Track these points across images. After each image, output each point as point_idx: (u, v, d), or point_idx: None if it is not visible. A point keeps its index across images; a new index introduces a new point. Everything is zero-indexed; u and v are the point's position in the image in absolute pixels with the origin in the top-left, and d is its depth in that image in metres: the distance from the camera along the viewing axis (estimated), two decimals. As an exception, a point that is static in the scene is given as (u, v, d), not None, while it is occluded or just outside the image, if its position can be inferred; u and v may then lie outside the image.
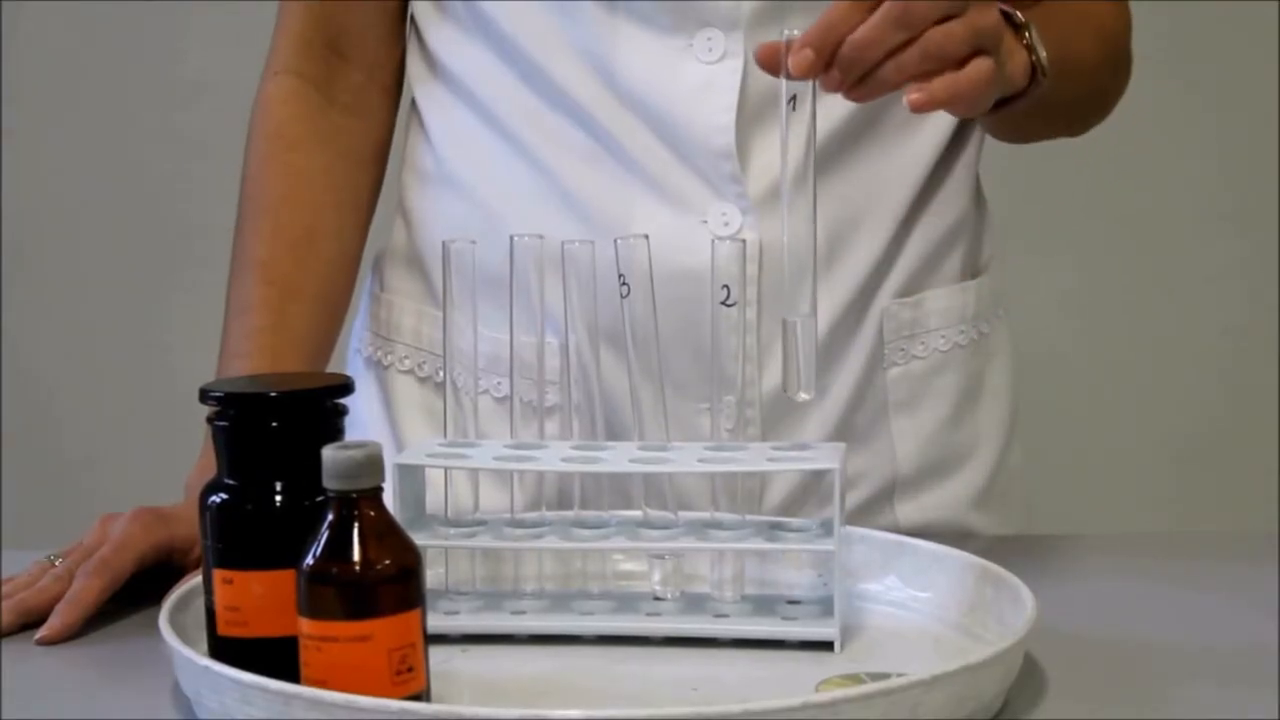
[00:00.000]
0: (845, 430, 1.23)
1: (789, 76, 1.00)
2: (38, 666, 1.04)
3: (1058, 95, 1.16)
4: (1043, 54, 1.11)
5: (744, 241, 1.08)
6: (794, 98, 1.02)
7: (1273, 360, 2.50)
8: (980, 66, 1.02)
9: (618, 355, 1.09)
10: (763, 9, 1.18)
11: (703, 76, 1.18)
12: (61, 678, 1.03)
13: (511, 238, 1.07)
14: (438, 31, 1.27)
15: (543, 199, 1.22)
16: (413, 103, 1.31)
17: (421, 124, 1.29)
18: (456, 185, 1.26)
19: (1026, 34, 1.11)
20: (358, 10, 1.30)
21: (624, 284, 1.04)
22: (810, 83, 1.02)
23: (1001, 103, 1.10)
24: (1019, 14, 1.11)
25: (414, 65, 1.30)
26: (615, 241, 1.04)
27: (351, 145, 1.30)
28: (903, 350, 1.26)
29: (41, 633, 1.07)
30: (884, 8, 1.00)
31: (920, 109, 1.02)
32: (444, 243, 1.06)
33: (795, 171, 1.03)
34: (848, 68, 1.00)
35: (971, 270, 1.30)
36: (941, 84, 1.02)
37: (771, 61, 1.01)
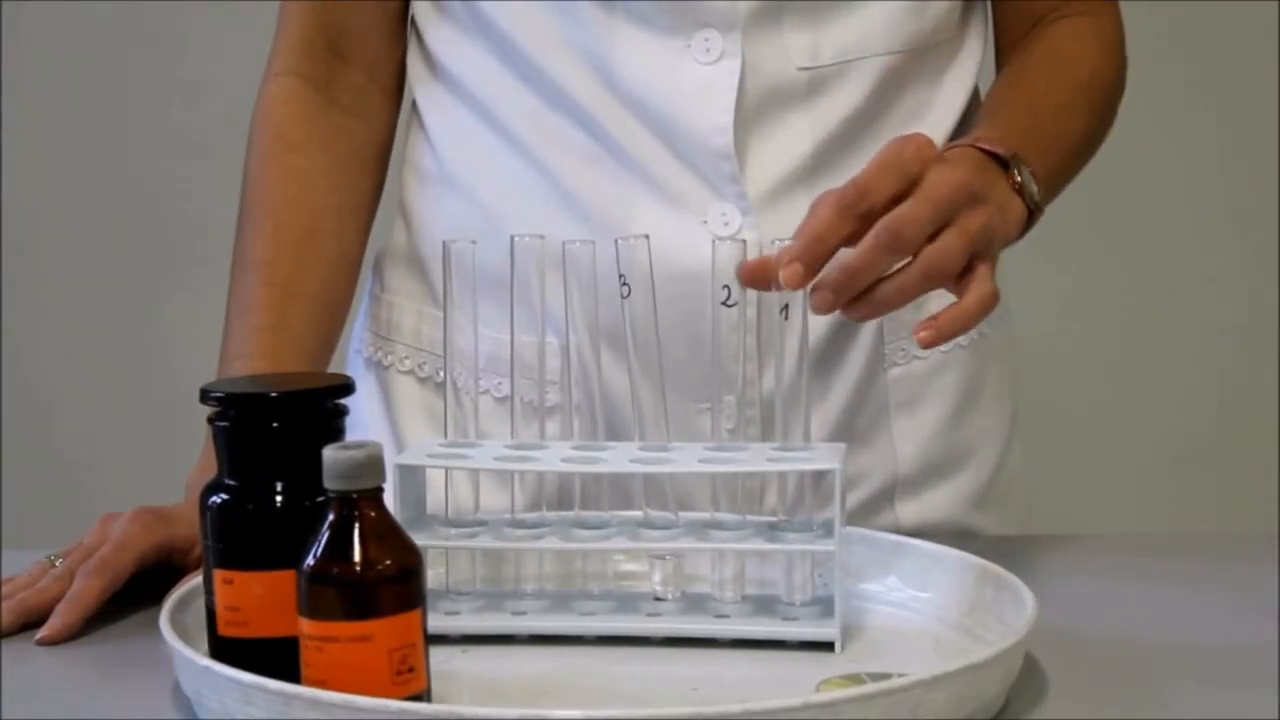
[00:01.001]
0: (846, 430, 1.24)
1: (779, 289, 1.01)
2: (38, 666, 1.04)
3: (1055, 191, 1.19)
4: (1034, 189, 1.12)
5: (744, 242, 1.08)
6: (785, 307, 1.02)
7: (1273, 360, 2.50)
8: (981, 288, 1.04)
9: (618, 355, 1.09)
10: (760, 9, 1.18)
11: (701, 77, 1.18)
12: (61, 678, 1.03)
13: (512, 238, 1.07)
14: (437, 32, 1.27)
15: (543, 199, 1.22)
16: (414, 103, 1.31)
17: (422, 124, 1.29)
18: (457, 185, 1.26)
19: (1016, 174, 1.11)
20: (358, 11, 1.30)
21: (624, 284, 1.04)
22: (801, 292, 1.02)
23: None
24: (1005, 150, 1.11)
25: (414, 66, 1.30)
26: (615, 241, 1.04)
27: (352, 146, 1.30)
28: (903, 350, 1.26)
29: (42, 633, 1.07)
30: (874, 232, 1.00)
31: (930, 346, 1.04)
32: (444, 243, 1.06)
33: (791, 380, 1.04)
34: (840, 291, 1.01)
35: (972, 270, 1.30)
36: (949, 319, 1.03)
37: (758, 275, 1.02)
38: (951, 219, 1.03)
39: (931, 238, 1.02)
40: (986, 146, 1.10)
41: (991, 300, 1.04)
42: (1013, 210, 1.10)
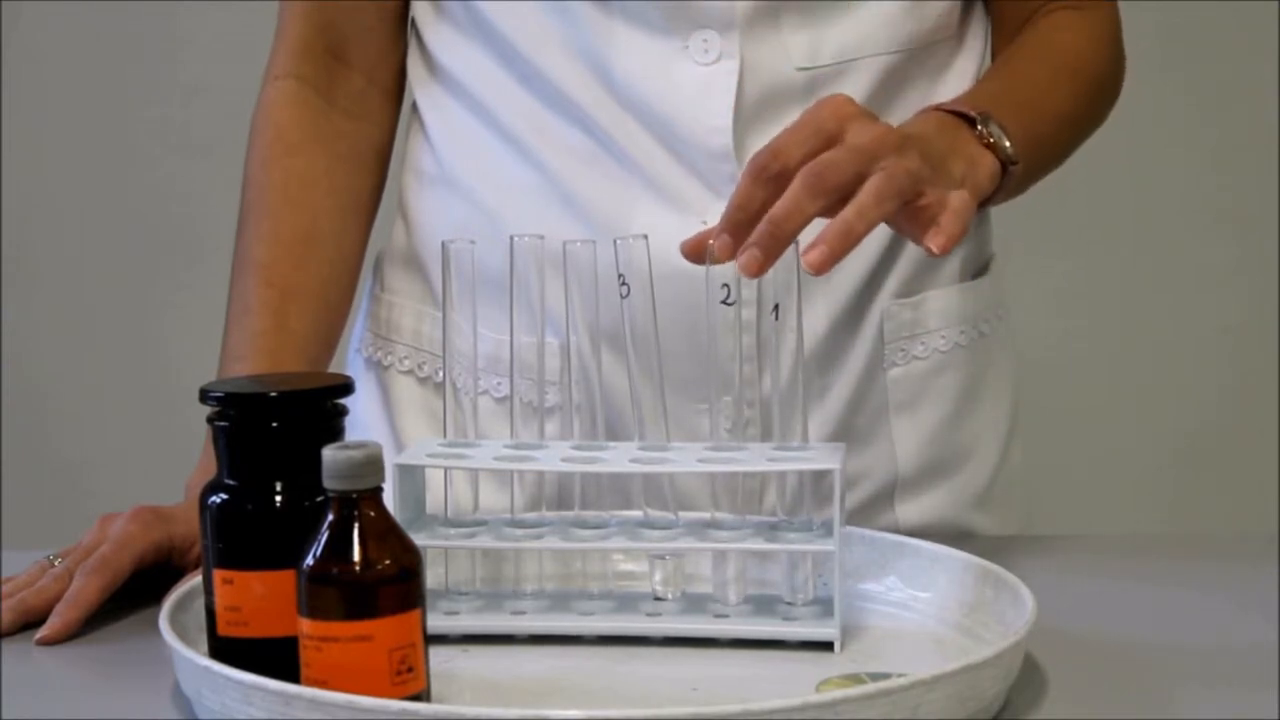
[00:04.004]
0: (845, 430, 1.24)
1: (714, 261, 1.01)
2: (38, 666, 1.04)
3: (1041, 159, 1.17)
4: (1007, 144, 1.11)
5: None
6: (776, 307, 1.02)
7: (1273, 360, 2.50)
8: (952, 202, 1.02)
9: (618, 355, 1.09)
10: (757, 9, 1.18)
11: (699, 78, 1.18)
12: (61, 678, 1.03)
13: (511, 238, 1.07)
14: (436, 33, 1.27)
15: (543, 199, 1.22)
16: (414, 104, 1.31)
17: (422, 125, 1.29)
18: (456, 186, 1.26)
19: (982, 129, 1.10)
20: (358, 14, 1.29)
21: (624, 284, 1.04)
22: (795, 291, 1.02)
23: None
24: (972, 110, 1.11)
25: (414, 67, 1.30)
26: (615, 242, 1.04)
27: (352, 148, 1.30)
28: (903, 351, 1.26)
29: (42, 633, 1.07)
30: (797, 176, 0.99)
31: (820, 265, 0.98)
32: (444, 243, 1.06)
33: (789, 381, 1.04)
34: (766, 243, 0.99)
35: (972, 271, 1.30)
36: (947, 217, 1.02)
37: (698, 252, 1.02)
38: (874, 164, 1.01)
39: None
40: (950, 108, 1.11)
41: (961, 206, 1.02)
42: (983, 162, 1.09)
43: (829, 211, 1.00)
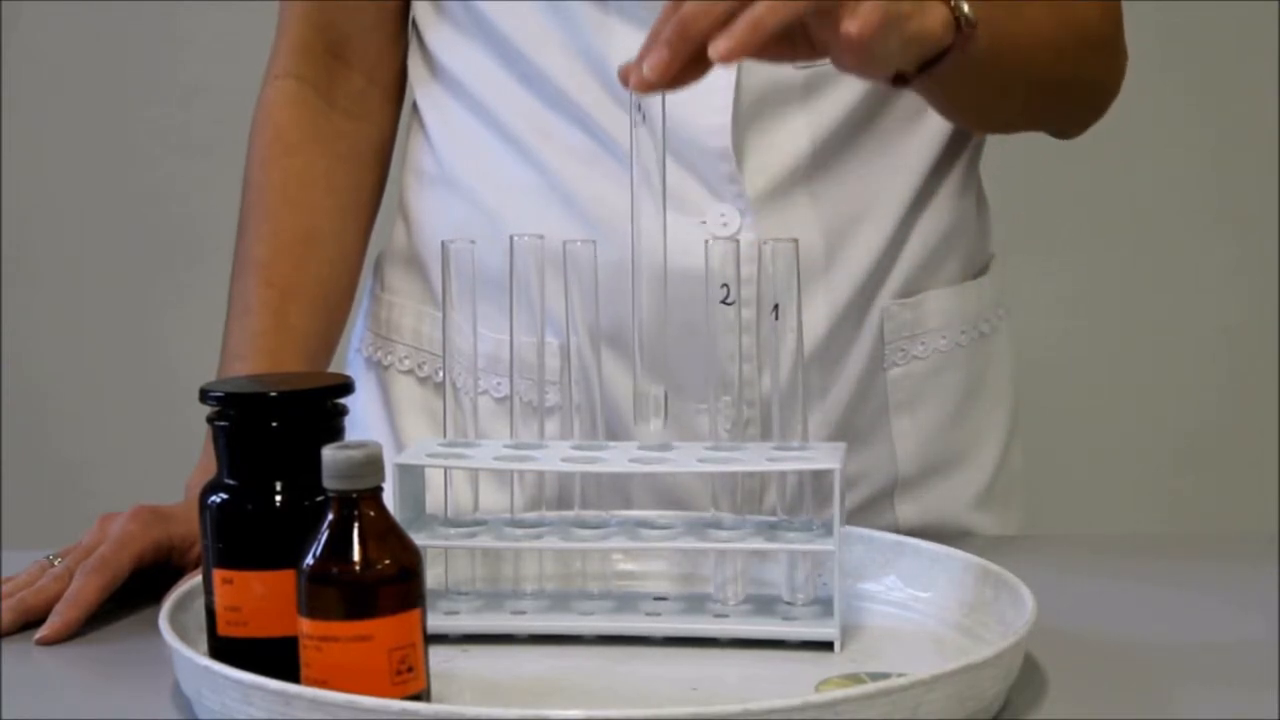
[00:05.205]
0: (846, 430, 1.23)
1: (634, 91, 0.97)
2: (38, 666, 1.04)
3: (1010, 66, 1.12)
4: (966, 7, 1.04)
5: (737, 241, 1.07)
6: (776, 306, 1.01)
7: (1273, 360, 2.50)
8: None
9: (618, 355, 1.09)
10: (752, 8, 1.18)
11: (696, 77, 1.18)
12: (61, 678, 1.03)
13: (511, 238, 1.07)
14: (436, 33, 1.27)
15: (543, 199, 1.22)
16: (414, 104, 1.31)
17: (422, 125, 1.29)
18: (456, 186, 1.26)
19: None
20: (358, 13, 1.29)
21: (640, 111, 1.01)
22: (795, 292, 1.01)
23: (931, 63, 1.04)
24: None
25: (414, 67, 1.30)
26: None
27: (352, 148, 1.30)
28: (903, 350, 1.26)
29: (42, 632, 1.07)
30: None
31: (725, 55, 0.94)
32: (443, 243, 1.06)
33: (788, 381, 1.03)
34: (677, 43, 0.95)
35: (972, 270, 1.30)
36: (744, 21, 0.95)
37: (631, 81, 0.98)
38: None
39: None
40: None
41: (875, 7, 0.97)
42: (934, 8, 1.02)
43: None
